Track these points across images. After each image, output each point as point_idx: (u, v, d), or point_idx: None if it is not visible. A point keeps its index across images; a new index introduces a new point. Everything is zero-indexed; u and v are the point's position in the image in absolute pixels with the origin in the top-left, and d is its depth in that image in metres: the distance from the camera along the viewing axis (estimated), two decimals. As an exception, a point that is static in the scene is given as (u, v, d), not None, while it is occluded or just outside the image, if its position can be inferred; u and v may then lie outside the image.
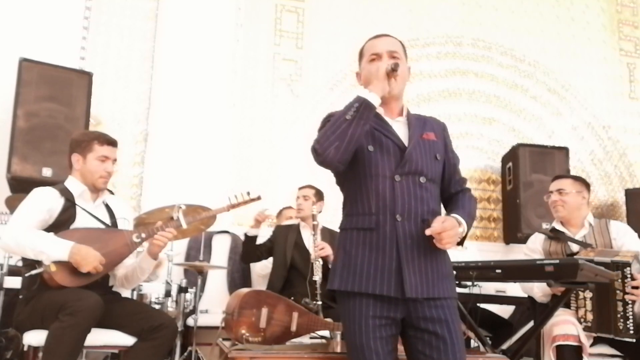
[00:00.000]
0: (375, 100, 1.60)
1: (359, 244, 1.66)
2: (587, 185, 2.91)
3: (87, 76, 3.75)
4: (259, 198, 2.68)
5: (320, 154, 1.58)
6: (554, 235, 2.84)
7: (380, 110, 1.73)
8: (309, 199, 3.49)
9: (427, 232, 1.56)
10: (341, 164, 1.61)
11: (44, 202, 2.28)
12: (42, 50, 3.84)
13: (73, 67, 3.87)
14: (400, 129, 1.73)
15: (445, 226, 1.55)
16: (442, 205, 1.80)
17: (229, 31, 4.50)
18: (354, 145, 1.59)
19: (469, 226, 1.67)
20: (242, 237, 3.66)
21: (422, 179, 1.67)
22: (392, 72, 1.64)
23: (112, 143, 2.45)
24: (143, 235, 2.38)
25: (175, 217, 2.46)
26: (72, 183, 2.40)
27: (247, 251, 3.55)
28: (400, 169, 1.66)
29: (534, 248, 2.91)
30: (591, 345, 2.53)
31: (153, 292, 3.25)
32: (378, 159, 1.66)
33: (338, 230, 1.79)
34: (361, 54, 1.83)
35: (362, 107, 1.58)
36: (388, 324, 1.62)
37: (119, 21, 4.26)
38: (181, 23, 4.41)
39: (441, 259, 1.68)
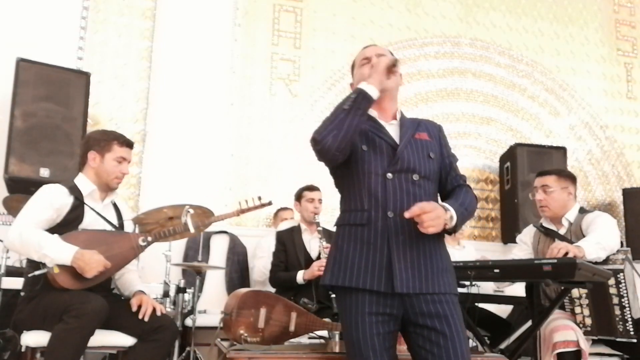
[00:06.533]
0: (372, 91, 1.63)
1: (351, 239, 1.67)
2: (572, 178, 2.82)
3: (84, 76, 3.74)
4: (270, 203, 2.69)
5: (319, 142, 1.60)
6: (544, 231, 2.83)
7: (374, 114, 1.76)
8: (321, 201, 3.47)
9: (406, 214, 1.54)
10: (339, 152, 1.62)
11: (53, 200, 2.26)
12: (40, 50, 3.83)
13: (70, 67, 3.86)
14: (393, 130, 1.76)
15: (423, 207, 1.53)
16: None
17: (227, 31, 4.50)
18: (352, 135, 1.61)
19: (462, 215, 1.64)
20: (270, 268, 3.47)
21: (415, 177, 1.68)
22: (392, 67, 1.67)
23: (131, 145, 2.46)
24: (149, 239, 2.38)
25: (183, 221, 2.47)
26: (82, 181, 2.38)
27: (286, 286, 3.31)
28: (392, 166, 1.67)
29: (524, 239, 2.93)
30: (590, 345, 2.54)
31: (151, 292, 3.23)
32: (371, 157, 1.69)
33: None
34: (353, 66, 1.89)
35: (359, 97, 1.61)
36: (385, 320, 1.61)
37: (116, 20, 4.25)
38: (179, 22, 4.41)
39: (437, 255, 1.67)
